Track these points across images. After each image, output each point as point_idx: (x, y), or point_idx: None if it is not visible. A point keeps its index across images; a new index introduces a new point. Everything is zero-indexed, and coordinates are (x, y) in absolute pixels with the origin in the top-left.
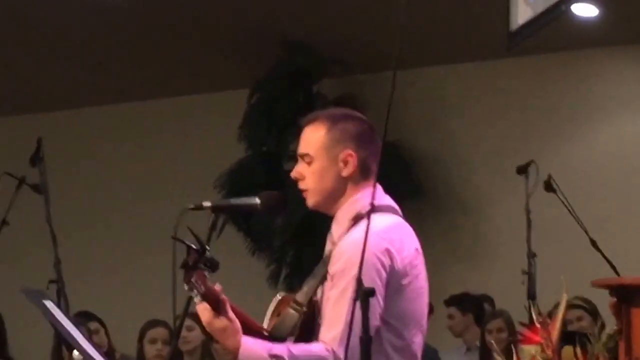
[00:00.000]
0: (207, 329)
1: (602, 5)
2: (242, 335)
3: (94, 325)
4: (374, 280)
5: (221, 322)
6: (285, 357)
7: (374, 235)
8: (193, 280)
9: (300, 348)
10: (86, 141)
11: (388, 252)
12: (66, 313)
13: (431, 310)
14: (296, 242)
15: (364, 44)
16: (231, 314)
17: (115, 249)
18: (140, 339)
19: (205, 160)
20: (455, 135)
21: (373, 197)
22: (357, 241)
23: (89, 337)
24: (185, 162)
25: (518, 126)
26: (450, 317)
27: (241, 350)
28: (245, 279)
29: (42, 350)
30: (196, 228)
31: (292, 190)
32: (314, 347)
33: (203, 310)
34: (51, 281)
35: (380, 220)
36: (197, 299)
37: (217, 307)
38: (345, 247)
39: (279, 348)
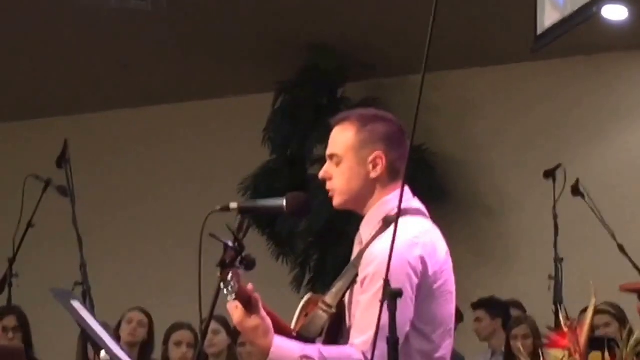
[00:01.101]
0: (239, 328)
1: (633, 7)
2: (274, 335)
3: (140, 316)
4: (404, 286)
5: (253, 321)
6: (316, 358)
7: (406, 240)
8: (229, 278)
9: (332, 350)
10: (112, 144)
11: (421, 258)
12: (93, 314)
13: (461, 318)
14: (320, 246)
15: (388, 48)
16: (263, 313)
17: (141, 252)
18: (166, 342)
19: (230, 163)
20: (481, 138)
21: (400, 201)
22: (389, 246)
23: (116, 338)
24: (210, 165)
25: (545, 130)
26: (478, 320)
27: (272, 349)
28: (269, 283)
29: (67, 353)
30: (220, 230)
31: (315, 194)
32: (345, 350)
33: (235, 309)
34: (77, 283)
35: (411, 224)
36: (230, 298)
37: (250, 307)
38: (377, 251)
39: (310, 349)
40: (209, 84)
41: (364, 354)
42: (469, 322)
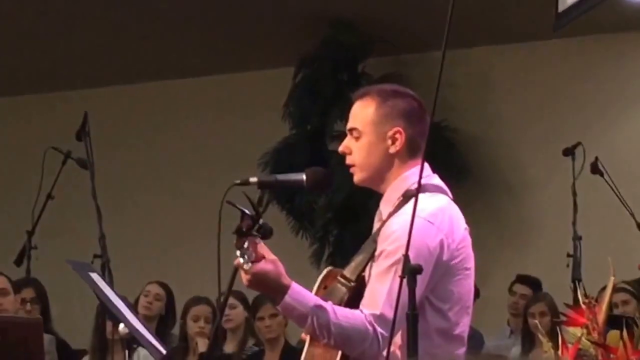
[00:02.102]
0: (261, 277)
1: None
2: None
3: (157, 289)
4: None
5: (272, 261)
6: (329, 313)
7: (424, 221)
8: (245, 246)
9: (343, 313)
10: (132, 117)
11: (440, 241)
12: (112, 287)
13: (477, 294)
14: (339, 221)
15: (409, 24)
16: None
17: (160, 225)
18: (183, 316)
19: (250, 138)
20: (502, 116)
21: (420, 177)
22: (406, 223)
23: (136, 312)
24: (230, 140)
25: (565, 108)
26: (523, 296)
27: (290, 292)
28: (288, 258)
29: (85, 325)
30: (240, 203)
31: (335, 170)
32: (355, 316)
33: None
34: (96, 256)
35: (429, 202)
36: (246, 266)
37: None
38: (394, 226)
39: (324, 302)
40: (230, 58)
41: (374, 326)
42: (488, 301)
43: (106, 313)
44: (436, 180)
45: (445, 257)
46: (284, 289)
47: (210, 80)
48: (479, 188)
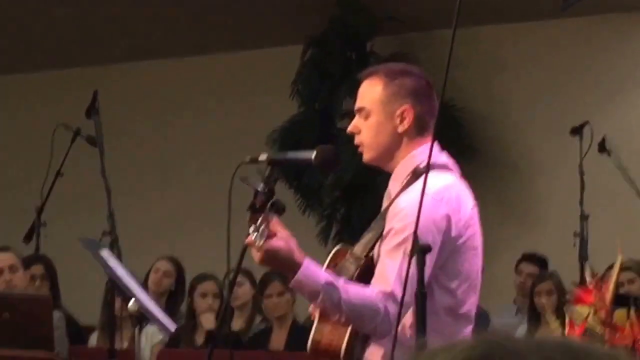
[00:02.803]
0: (273, 254)
1: None
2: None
3: (167, 265)
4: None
5: (284, 238)
6: (341, 290)
7: (431, 198)
8: (259, 223)
9: (354, 290)
10: (141, 95)
11: (447, 217)
12: (121, 263)
13: (482, 270)
14: (347, 199)
15: (418, 2)
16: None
17: (169, 203)
18: (190, 294)
19: (258, 116)
20: (510, 95)
21: (430, 155)
22: (414, 201)
23: (145, 288)
24: (238, 118)
25: (573, 87)
26: (529, 275)
27: (302, 269)
28: (296, 236)
29: (94, 301)
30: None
31: (343, 148)
32: (367, 294)
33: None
34: (105, 233)
35: (436, 180)
36: (259, 242)
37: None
38: (401, 204)
39: (336, 279)
40: (238, 36)
41: (385, 303)
42: (494, 279)
43: (115, 290)
44: (444, 158)
45: (453, 234)
46: (296, 266)
47: (219, 58)
48: (487, 167)
